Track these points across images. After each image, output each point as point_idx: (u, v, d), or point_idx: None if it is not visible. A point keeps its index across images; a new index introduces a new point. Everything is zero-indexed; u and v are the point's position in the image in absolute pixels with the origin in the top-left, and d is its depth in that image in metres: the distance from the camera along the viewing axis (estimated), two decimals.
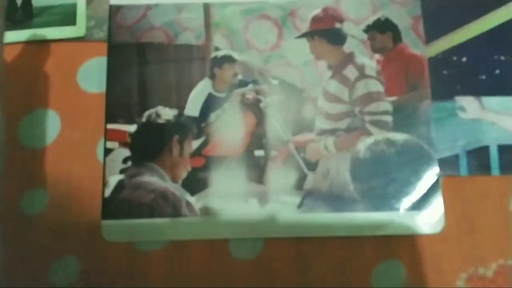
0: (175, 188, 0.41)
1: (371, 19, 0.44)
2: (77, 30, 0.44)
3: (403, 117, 0.42)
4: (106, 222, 0.40)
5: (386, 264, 0.40)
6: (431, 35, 0.44)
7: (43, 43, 0.44)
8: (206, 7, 0.44)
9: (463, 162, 0.41)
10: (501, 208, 0.41)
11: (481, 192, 0.41)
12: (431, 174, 0.41)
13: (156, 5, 0.44)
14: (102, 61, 0.43)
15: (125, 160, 0.41)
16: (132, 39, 0.44)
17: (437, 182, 0.40)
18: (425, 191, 0.40)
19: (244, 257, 0.40)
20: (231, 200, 0.41)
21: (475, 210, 0.41)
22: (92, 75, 0.43)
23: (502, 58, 0.43)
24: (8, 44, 0.44)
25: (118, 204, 0.40)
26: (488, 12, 0.44)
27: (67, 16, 0.45)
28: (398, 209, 0.40)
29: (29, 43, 0.44)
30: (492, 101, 0.42)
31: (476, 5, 0.44)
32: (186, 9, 0.44)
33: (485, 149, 0.42)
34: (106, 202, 0.40)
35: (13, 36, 0.44)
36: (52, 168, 0.42)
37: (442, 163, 0.41)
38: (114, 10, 0.44)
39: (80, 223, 0.41)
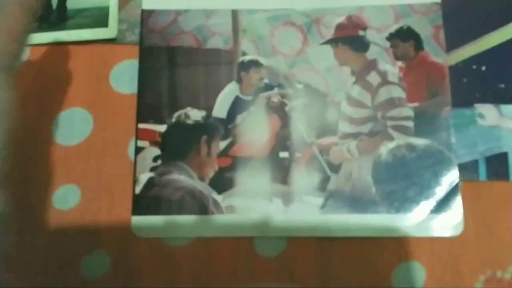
0: (203, 187, 0.42)
1: (393, 28, 0.45)
2: (109, 31, 0.46)
3: (424, 123, 0.43)
4: (136, 218, 0.42)
5: (406, 265, 0.41)
6: (452, 44, 0.45)
7: (77, 45, 0.46)
8: (234, 14, 0.46)
9: (482, 167, 0.43)
10: None
11: (499, 197, 0.42)
12: (451, 179, 0.42)
13: (186, 11, 0.46)
14: (134, 63, 0.45)
15: (155, 159, 0.43)
16: (163, 43, 0.46)
17: (456, 186, 0.42)
18: (444, 195, 0.42)
19: (268, 254, 0.41)
20: (256, 199, 0.42)
21: (493, 214, 0.42)
22: (124, 76, 0.45)
23: None
24: (43, 45, 0.46)
25: (148, 201, 0.42)
26: (508, 23, 0.45)
27: (100, 18, 0.46)
28: (418, 212, 0.41)
29: (63, 44, 0.46)
30: (510, 109, 0.44)
31: (495, 16, 0.46)
32: (215, 15, 0.46)
33: (503, 156, 0.43)
34: (136, 198, 0.42)
35: (48, 37, 0.46)
36: (84, 165, 0.44)
37: (462, 168, 0.42)
38: (146, 14, 0.46)
39: (111, 219, 0.42)
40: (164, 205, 0.42)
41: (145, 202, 0.42)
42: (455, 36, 0.45)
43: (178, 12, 0.46)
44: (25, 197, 0.43)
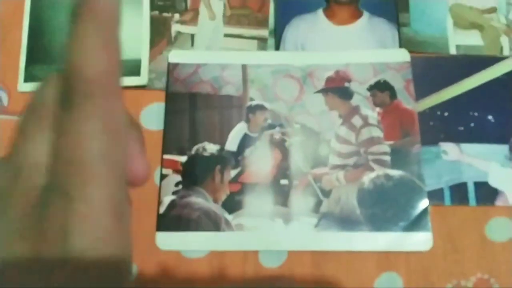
0: (216, 208, 0.51)
1: (373, 80, 0.56)
2: (141, 79, 0.56)
3: (398, 158, 0.53)
4: (160, 234, 0.50)
5: (386, 275, 0.49)
6: (420, 94, 0.56)
7: None
8: (244, 67, 0.56)
9: (447, 194, 0.52)
10: (478, 232, 0.51)
11: (461, 219, 0.51)
12: (421, 203, 0.51)
13: (205, 64, 0.57)
14: (161, 106, 0.55)
15: (177, 184, 0.52)
16: (185, 90, 0.56)
17: (426, 209, 0.51)
18: (416, 216, 0.50)
19: (271, 265, 0.49)
20: (261, 219, 0.51)
21: (457, 233, 0.51)
22: (153, 116, 0.55)
23: (476, 114, 0.55)
24: None
25: (170, 219, 0.50)
26: (464, 77, 0.56)
27: (133, 69, 0.57)
28: (395, 230, 0.50)
29: None
30: (468, 147, 0.54)
31: (455, 72, 0.57)
32: (228, 68, 0.57)
33: (464, 185, 0.52)
34: (160, 217, 0.50)
35: None
36: None
37: (430, 194, 0.51)
38: (172, 66, 0.56)
39: (139, 235, 0.50)
40: (183, 223, 0.50)
41: (167, 220, 0.50)
42: (423, 87, 0.56)
43: (198, 65, 0.57)
44: None
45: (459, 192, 0.52)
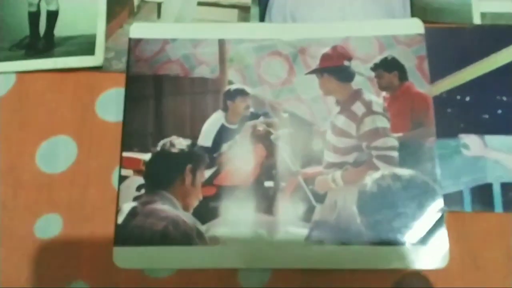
0: (186, 217, 0.42)
1: (378, 58, 0.46)
2: (95, 59, 0.46)
3: (408, 153, 0.43)
4: (118, 249, 0.41)
5: None
6: (436, 75, 0.46)
7: (63, 72, 0.46)
8: (221, 43, 0.46)
9: (467, 198, 0.43)
10: (503, 245, 0.42)
11: (484, 229, 0.42)
12: (436, 210, 0.42)
13: (174, 40, 0.47)
14: (120, 91, 0.45)
15: (138, 188, 0.43)
16: (149, 71, 0.46)
17: (441, 217, 0.42)
18: (430, 226, 0.41)
19: (252, 286, 0.41)
20: (241, 230, 0.42)
21: (478, 246, 0.42)
22: (110, 104, 0.45)
23: (504, 98, 0.45)
24: (29, 72, 0.46)
25: (130, 231, 0.41)
26: (491, 53, 0.46)
27: (87, 46, 0.47)
28: (403, 243, 0.41)
29: (50, 71, 0.46)
30: (494, 139, 0.44)
31: (479, 47, 0.47)
32: (202, 44, 0.46)
33: (488, 186, 0.43)
34: (118, 228, 0.41)
35: (35, 64, 0.46)
36: (67, 194, 0.43)
37: (447, 199, 0.42)
38: (133, 42, 0.46)
39: (93, 249, 0.42)
40: (146, 235, 0.41)
41: (127, 233, 0.41)
42: (439, 66, 0.46)
43: (165, 41, 0.46)
44: (6, 224, 0.42)
45: (482, 195, 0.43)
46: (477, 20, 0.47)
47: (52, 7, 0.48)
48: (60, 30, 0.47)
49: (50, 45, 0.47)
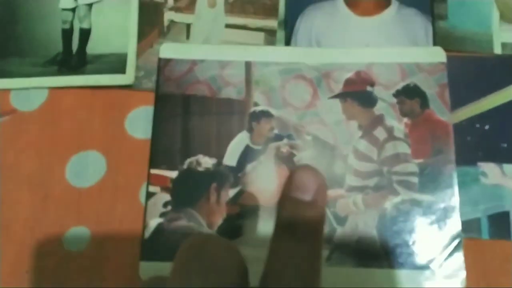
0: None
1: (400, 85, 0.47)
2: (126, 78, 0.48)
3: (428, 180, 0.44)
4: (145, 264, 0.42)
5: None
6: (456, 103, 0.47)
7: (95, 89, 0.48)
8: (248, 65, 0.48)
9: (485, 226, 0.44)
10: None
11: (501, 256, 0.43)
12: (454, 236, 0.43)
13: (202, 61, 0.48)
14: (149, 109, 0.47)
15: (165, 204, 0.44)
16: (178, 91, 0.47)
17: (459, 243, 0.42)
18: (448, 252, 0.42)
19: None
20: (263, 249, 0.43)
21: (494, 273, 0.43)
22: (139, 122, 0.47)
23: None
24: (62, 88, 0.48)
25: (157, 246, 0.43)
26: (510, 84, 0.47)
27: (118, 65, 0.48)
28: (421, 268, 0.42)
29: (81, 88, 0.48)
30: None
31: (499, 76, 0.48)
32: (229, 66, 0.48)
33: (505, 215, 0.44)
34: (145, 243, 0.43)
35: (67, 81, 0.48)
36: (95, 208, 0.45)
37: (464, 225, 0.43)
38: (163, 63, 0.48)
39: (119, 262, 0.43)
40: (172, 251, 0.42)
41: (153, 248, 0.43)
42: (460, 95, 0.47)
43: (194, 62, 0.48)
44: (36, 236, 0.44)
45: (499, 223, 0.44)
46: (498, 50, 0.49)
47: (85, 25, 0.49)
48: (92, 48, 0.49)
49: (82, 62, 0.48)
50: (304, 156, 0.46)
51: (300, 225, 0.19)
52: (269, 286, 0.18)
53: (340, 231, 0.44)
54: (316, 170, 0.20)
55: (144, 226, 0.43)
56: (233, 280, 0.19)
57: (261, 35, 0.50)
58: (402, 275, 0.42)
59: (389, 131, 0.46)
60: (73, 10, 0.49)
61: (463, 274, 0.42)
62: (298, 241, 0.19)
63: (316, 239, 0.20)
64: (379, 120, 0.46)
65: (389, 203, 0.44)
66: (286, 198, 0.20)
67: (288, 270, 0.18)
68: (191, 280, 0.18)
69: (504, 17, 0.49)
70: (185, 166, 0.45)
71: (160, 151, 0.46)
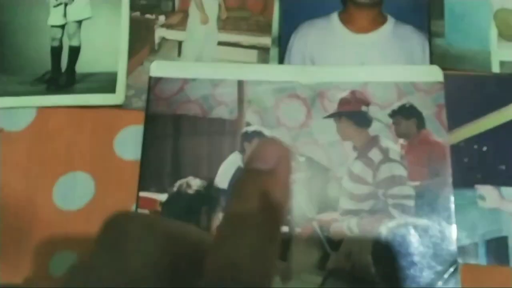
0: None
1: (396, 105, 0.46)
2: (116, 98, 0.47)
3: (424, 203, 0.43)
4: None
5: None
6: (453, 123, 0.46)
7: (83, 108, 0.47)
8: (240, 84, 0.47)
9: (482, 251, 0.42)
10: None
11: (500, 282, 0.42)
12: (451, 261, 0.41)
13: (193, 80, 0.47)
14: (139, 129, 0.46)
15: None
16: (168, 110, 0.46)
17: (456, 269, 0.41)
18: (444, 277, 0.41)
19: None
20: None
21: None
22: (128, 142, 0.46)
23: None
24: (50, 107, 0.47)
25: None
26: (510, 103, 0.46)
27: (107, 84, 0.47)
28: None
29: (70, 107, 0.47)
30: (511, 191, 0.44)
31: (497, 96, 0.47)
32: (221, 85, 0.47)
33: (503, 240, 0.43)
34: None
35: (55, 100, 0.47)
36: (83, 231, 0.43)
37: (462, 250, 0.42)
38: (153, 82, 0.47)
39: None
40: None
41: None
42: (457, 114, 0.46)
43: (185, 81, 0.47)
44: (21, 261, 0.43)
45: (497, 248, 0.42)
46: (496, 68, 0.48)
47: (75, 43, 0.48)
48: (82, 66, 0.48)
49: (71, 81, 0.47)
50: (297, 178, 0.45)
51: (257, 195, 0.17)
52: (215, 259, 0.17)
53: (334, 256, 0.42)
54: (279, 141, 0.19)
55: None
56: (156, 260, 0.17)
57: (254, 52, 0.49)
58: None
59: (385, 152, 0.45)
60: (63, 27, 0.48)
61: None
62: (254, 213, 0.17)
63: (275, 212, 0.17)
64: (374, 141, 0.45)
65: (385, 227, 0.43)
66: (245, 170, 0.18)
67: (236, 241, 0.17)
68: (108, 263, 0.17)
69: (502, 35, 0.48)
70: (175, 189, 0.44)
71: (149, 173, 0.45)
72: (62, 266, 0.42)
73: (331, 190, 0.44)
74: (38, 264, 0.43)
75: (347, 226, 0.43)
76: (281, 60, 0.48)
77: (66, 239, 0.43)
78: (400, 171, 0.44)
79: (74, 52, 0.48)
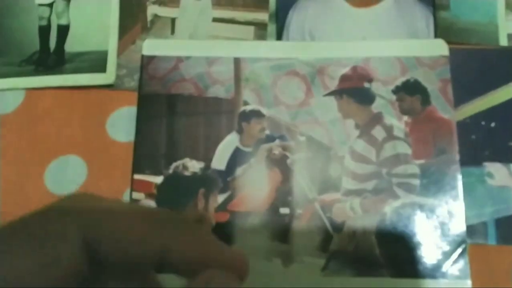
0: None
1: (400, 80, 0.44)
2: (107, 77, 0.45)
3: (430, 181, 0.41)
4: None
5: None
6: (460, 99, 0.44)
7: (74, 89, 0.45)
8: (237, 62, 0.45)
9: (491, 230, 0.41)
10: None
11: (509, 263, 0.40)
12: (459, 242, 0.40)
13: (188, 58, 0.45)
14: (131, 110, 0.44)
15: None
16: (162, 90, 0.44)
17: (464, 250, 0.40)
18: (452, 259, 0.40)
19: None
20: (255, 258, 0.40)
21: (502, 281, 0.40)
22: (121, 124, 0.44)
23: None
24: (39, 88, 0.45)
25: None
26: None
27: (98, 63, 0.45)
28: (424, 276, 0.39)
29: (60, 88, 0.45)
30: None
31: (505, 70, 0.45)
32: (217, 62, 0.45)
33: None
34: None
35: (44, 81, 0.45)
36: None
37: (470, 230, 0.40)
38: (146, 60, 0.45)
39: None
40: None
41: None
42: (463, 90, 0.44)
43: (179, 59, 0.45)
44: None
45: (507, 227, 0.41)
46: (503, 41, 0.46)
47: (63, 21, 0.46)
48: (71, 46, 0.46)
49: (60, 61, 0.45)
50: (298, 158, 0.43)
51: None
52: None
53: (337, 238, 0.41)
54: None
55: None
56: (68, 255, 0.16)
57: (251, 29, 0.47)
58: (404, 284, 0.39)
59: (388, 130, 0.43)
60: (51, 5, 0.46)
61: (468, 282, 0.39)
62: None
63: None
64: (377, 119, 0.43)
65: (389, 208, 0.41)
66: None
67: None
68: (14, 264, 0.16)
69: (510, 7, 0.46)
70: (170, 171, 0.42)
71: (144, 155, 0.43)
72: None
73: (333, 170, 0.43)
74: None
75: (350, 206, 0.42)
76: (279, 36, 0.46)
77: None
78: (404, 149, 0.43)
79: (63, 31, 0.46)
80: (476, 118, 0.44)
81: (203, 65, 0.45)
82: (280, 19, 0.47)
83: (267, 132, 0.44)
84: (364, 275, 0.39)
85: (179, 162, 0.43)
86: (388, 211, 0.41)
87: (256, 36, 0.47)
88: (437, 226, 0.40)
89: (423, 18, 0.46)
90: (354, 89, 0.44)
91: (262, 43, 0.46)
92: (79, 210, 0.18)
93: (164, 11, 0.47)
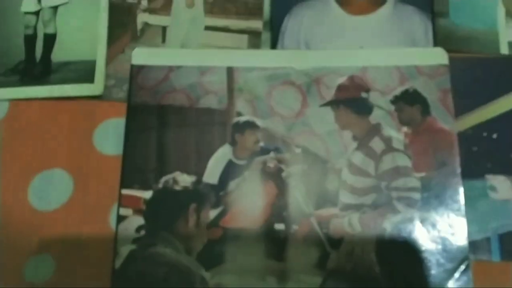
0: (189, 262, 0.38)
1: (398, 90, 0.43)
2: (95, 88, 0.43)
3: (431, 195, 0.40)
4: None
5: None
6: (460, 109, 0.42)
7: (60, 100, 0.43)
8: (230, 71, 0.43)
9: (495, 246, 0.39)
10: None
11: None
12: (461, 258, 0.38)
13: (179, 67, 0.43)
14: (120, 122, 0.42)
15: (138, 229, 0.39)
16: (152, 101, 0.43)
17: (467, 267, 0.38)
18: (455, 276, 0.38)
19: None
20: (248, 277, 0.38)
21: None
22: (109, 136, 0.42)
23: None
24: (25, 99, 0.43)
25: (129, 277, 0.38)
26: None
27: (86, 73, 0.44)
28: None
29: (46, 99, 0.43)
30: None
31: (507, 79, 0.43)
32: (209, 72, 0.43)
33: None
34: (116, 273, 0.38)
35: (30, 92, 0.43)
36: (61, 233, 0.40)
37: (473, 246, 0.39)
38: (136, 70, 0.43)
39: None
40: (146, 282, 0.38)
41: (125, 279, 0.38)
42: (464, 100, 0.43)
43: (170, 68, 0.43)
44: None
45: (511, 243, 0.39)
46: (504, 49, 0.44)
47: (50, 30, 0.45)
48: (58, 55, 0.44)
49: (46, 71, 0.44)
50: (293, 171, 0.41)
51: None
52: None
53: (334, 255, 0.39)
54: None
55: (115, 253, 0.39)
56: None
57: (245, 37, 0.45)
58: None
59: (387, 141, 0.41)
60: (37, 13, 0.45)
61: None
62: None
63: None
64: (375, 130, 0.42)
65: (389, 223, 0.39)
66: None
67: None
68: None
69: (511, 14, 0.45)
70: (160, 185, 0.40)
71: (132, 169, 0.41)
72: (38, 270, 0.39)
73: (330, 184, 0.41)
74: (12, 269, 0.39)
75: (348, 222, 0.40)
76: (273, 45, 0.45)
77: (42, 242, 0.40)
78: (404, 161, 0.41)
79: (50, 40, 0.44)
80: (477, 129, 0.42)
81: (195, 74, 0.43)
82: (275, 27, 0.46)
83: (262, 144, 0.42)
84: None
85: (169, 176, 0.41)
86: (388, 227, 0.39)
87: (250, 45, 0.45)
88: (439, 242, 0.39)
89: (421, 26, 0.45)
90: (351, 99, 0.43)
91: (256, 52, 0.45)
92: None
93: (155, 19, 0.46)
